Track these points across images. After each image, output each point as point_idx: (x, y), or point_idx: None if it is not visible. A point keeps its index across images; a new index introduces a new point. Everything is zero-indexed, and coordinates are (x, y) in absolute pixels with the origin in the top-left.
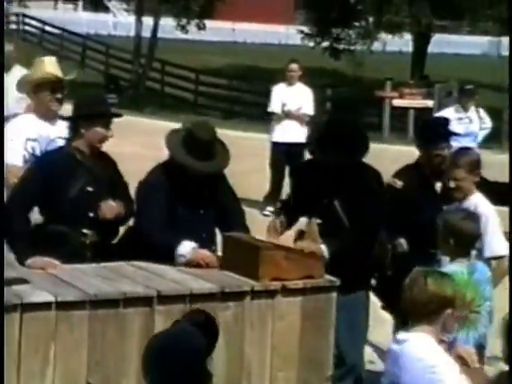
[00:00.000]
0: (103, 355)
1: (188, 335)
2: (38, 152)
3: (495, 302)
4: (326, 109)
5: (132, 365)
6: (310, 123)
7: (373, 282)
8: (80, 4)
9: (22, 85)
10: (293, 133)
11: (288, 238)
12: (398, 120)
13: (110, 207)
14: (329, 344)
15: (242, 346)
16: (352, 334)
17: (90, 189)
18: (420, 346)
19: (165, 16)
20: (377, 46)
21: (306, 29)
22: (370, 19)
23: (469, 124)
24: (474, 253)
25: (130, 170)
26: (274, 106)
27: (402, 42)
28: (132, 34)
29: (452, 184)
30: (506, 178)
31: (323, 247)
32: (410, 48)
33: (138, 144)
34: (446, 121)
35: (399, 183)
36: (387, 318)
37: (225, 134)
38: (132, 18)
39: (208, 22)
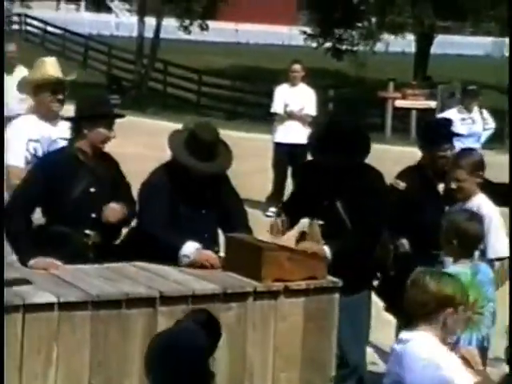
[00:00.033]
0: (105, 356)
1: (190, 334)
2: (39, 153)
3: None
4: (328, 109)
5: (134, 365)
6: (312, 124)
7: (375, 283)
8: (82, 4)
9: (22, 86)
10: (295, 133)
11: (290, 239)
12: (400, 121)
13: (113, 211)
14: (331, 345)
15: (245, 346)
16: (354, 334)
17: (92, 189)
18: (423, 345)
19: (167, 16)
20: (379, 46)
21: (308, 29)
22: (373, 20)
23: (472, 125)
24: (477, 254)
25: (133, 171)
26: (277, 107)
27: (405, 43)
28: (134, 34)
29: (453, 185)
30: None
31: (326, 248)
32: (412, 49)
33: (141, 145)
34: (448, 122)
35: (402, 184)
36: (389, 319)
37: (227, 134)
38: (134, 19)
39: (211, 23)
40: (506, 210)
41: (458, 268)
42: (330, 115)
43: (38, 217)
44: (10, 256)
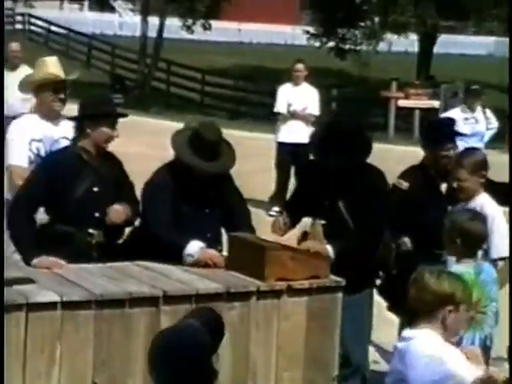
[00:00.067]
0: (109, 355)
1: (194, 331)
2: (42, 153)
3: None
4: (331, 109)
5: (138, 364)
6: (315, 123)
7: (378, 282)
8: (86, 4)
9: (24, 85)
10: (298, 133)
11: (292, 238)
12: (403, 120)
13: (117, 212)
14: (334, 344)
15: (248, 346)
16: (356, 333)
17: (95, 189)
18: (426, 343)
19: (170, 16)
20: (382, 46)
21: (311, 29)
22: (376, 19)
23: (475, 124)
24: (480, 253)
25: (136, 170)
26: (280, 106)
27: (408, 43)
28: (138, 34)
29: (455, 184)
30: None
31: (329, 247)
32: (415, 48)
33: (144, 144)
34: (451, 121)
35: (405, 184)
36: (392, 318)
37: (231, 134)
38: (138, 18)
39: (214, 23)
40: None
41: (461, 267)
42: (331, 115)
43: (41, 216)
44: (14, 255)
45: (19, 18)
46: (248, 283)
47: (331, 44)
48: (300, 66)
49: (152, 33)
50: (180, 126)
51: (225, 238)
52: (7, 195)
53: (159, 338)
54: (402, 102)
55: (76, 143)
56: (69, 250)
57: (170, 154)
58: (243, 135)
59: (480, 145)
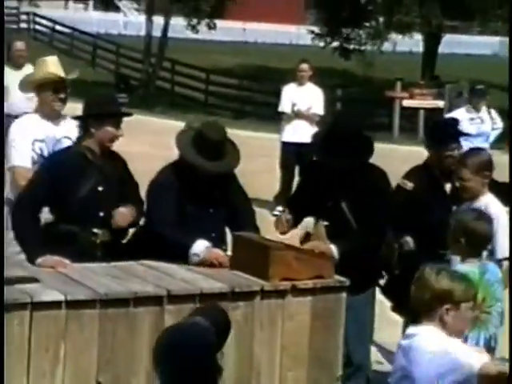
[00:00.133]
0: (113, 354)
1: (198, 329)
2: (45, 153)
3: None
4: (336, 109)
5: (142, 364)
6: (319, 123)
7: (382, 282)
8: (90, 3)
9: (24, 85)
10: (303, 133)
11: (294, 237)
12: (408, 120)
13: (123, 215)
14: (338, 344)
15: (252, 345)
16: (359, 333)
17: (100, 188)
18: (429, 338)
19: (175, 15)
20: (387, 46)
21: (316, 29)
22: (381, 19)
23: (481, 124)
24: (485, 254)
25: (140, 170)
26: (284, 106)
27: (413, 43)
28: (142, 33)
29: (458, 184)
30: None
31: (333, 247)
32: (420, 48)
33: (148, 143)
34: (456, 121)
35: (410, 185)
36: (394, 318)
37: (235, 133)
38: (142, 18)
39: (218, 22)
40: None
41: (466, 267)
42: (334, 115)
43: (46, 216)
44: (18, 256)
45: (24, 17)
46: (252, 283)
47: (336, 44)
48: (305, 66)
49: (157, 32)
50: (184, 125)
51: (229, 237)
52: (10, 196)
53: (165, 335)
54: (407, 102)
55: (80, 143)
56: (73, 249)
57: (174, 154)
58: (248, 135)
59: (485, 145)
